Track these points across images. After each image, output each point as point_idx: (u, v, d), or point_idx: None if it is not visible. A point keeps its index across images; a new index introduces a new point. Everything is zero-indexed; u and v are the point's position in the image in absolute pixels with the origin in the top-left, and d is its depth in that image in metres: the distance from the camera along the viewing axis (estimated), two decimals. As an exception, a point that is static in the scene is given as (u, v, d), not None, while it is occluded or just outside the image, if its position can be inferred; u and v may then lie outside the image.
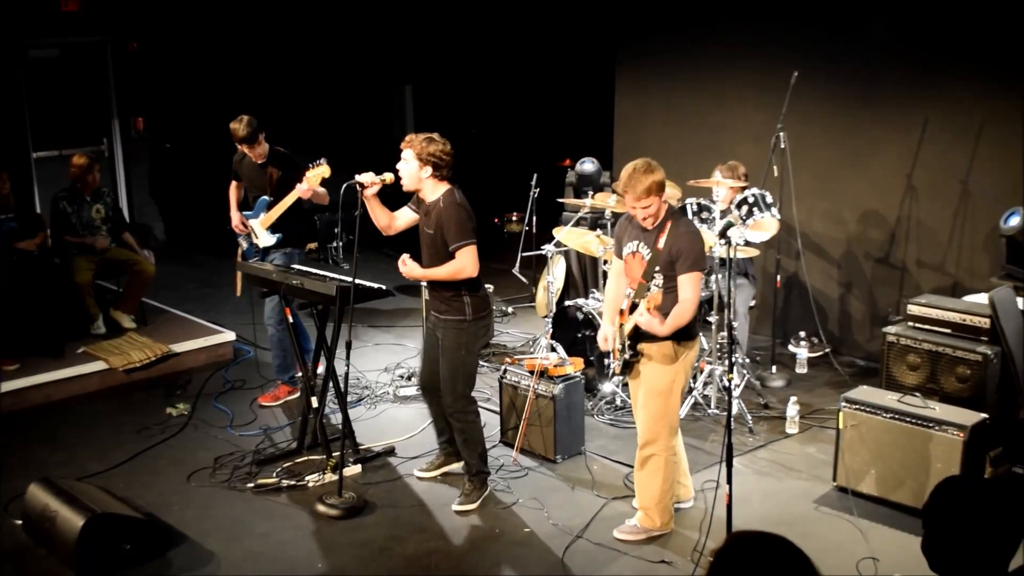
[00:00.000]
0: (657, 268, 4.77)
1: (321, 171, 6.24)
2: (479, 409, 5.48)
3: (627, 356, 4.88)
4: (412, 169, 5.09)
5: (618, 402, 6.56)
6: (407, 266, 5.19)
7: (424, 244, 5.23)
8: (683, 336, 4.81)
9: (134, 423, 6.55)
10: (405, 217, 5.34)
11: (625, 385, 6.11)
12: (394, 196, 5.32)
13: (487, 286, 8.05)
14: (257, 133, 6.52)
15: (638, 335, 4.83)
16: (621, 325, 4.87)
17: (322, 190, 6.52)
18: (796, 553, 2.32)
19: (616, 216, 6.88)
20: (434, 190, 5.14)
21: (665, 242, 4.73)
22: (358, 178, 5.18)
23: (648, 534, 5.01)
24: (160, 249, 10.47)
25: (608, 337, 4.96)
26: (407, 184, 5.15)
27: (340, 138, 11.50)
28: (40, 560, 4.89)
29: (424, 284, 5.51)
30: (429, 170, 5.07)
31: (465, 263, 5.07)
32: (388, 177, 5.23)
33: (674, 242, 4.72)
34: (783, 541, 2.33)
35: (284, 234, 6.64)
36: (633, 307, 4.80)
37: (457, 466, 5.65)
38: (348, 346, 5.51)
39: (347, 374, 5.59)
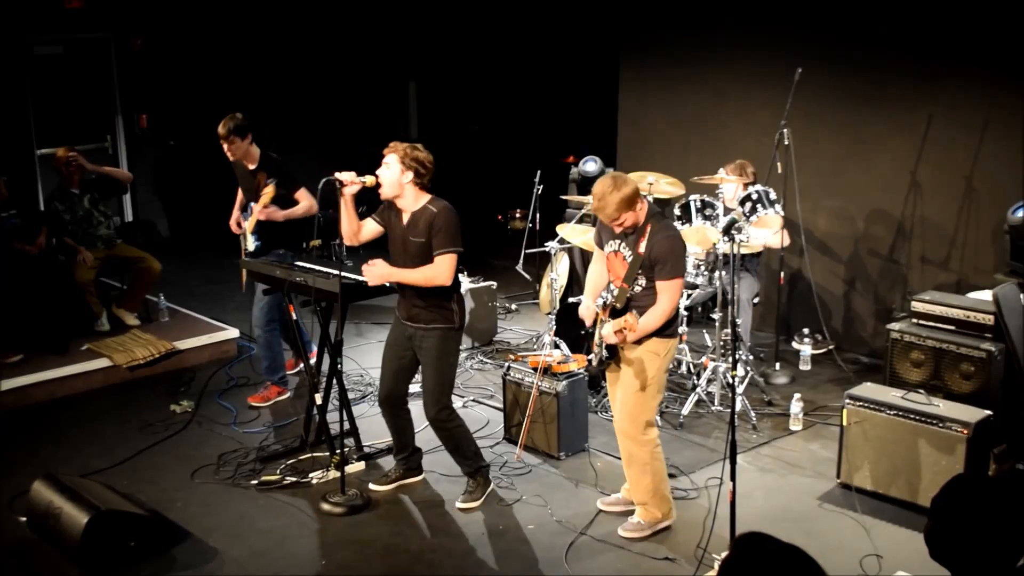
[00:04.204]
0: (639, 271, 4.76)
1: (267, 191, 6.34)
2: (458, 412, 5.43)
3: (603, 355, 4.86)
4: (394, 174, 5.00)
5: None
6: (376, 266, 5.03)
7: (406, 254, 5.08)
8: (664, 333, 4.80)
9: (138, 420, 6.56)
10: (370, 228, 5.25)
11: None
12: (372, 201, 5.29)
13: (490, 282, 8.14)
14: (234, 133, 6.39)
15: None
16: (601, 321, 4.84)
17: (280, 215, 6.51)
18: (812, 565, 2.32)
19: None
20: (416, 199, 5.05)
21: (646, 246, 4.71)
22: (338, 175, 5.11)
23: (652, 528, 5.00)
24: (164, 246, 10.50)
25: (590, 311, 4.92)
26: (386, 191, 5.04)
27: (344, 135, 11.51)
28: (45, 556, 4.90)
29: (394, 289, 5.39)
30: (410, 175, 4.99)
31: (442, 269, 4.98)
32: (369, 179, 5.08)
33: (654, 246, 4.69)
34: (800, 552, 2.33)
35: (263, 242, 6.59)
36: (614, 310, 4.77)
37: (413, 480, 5.63)
38: (339, 345, 5.45)
39: (341, 372, 5.57)
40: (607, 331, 4.67)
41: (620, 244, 4.84)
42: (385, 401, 5.43)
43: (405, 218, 5.09)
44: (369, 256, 5.28)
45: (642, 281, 4.77)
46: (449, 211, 5.02)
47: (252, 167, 6.60)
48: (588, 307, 5.01)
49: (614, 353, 4.87)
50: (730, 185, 6.85)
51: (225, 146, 6.49)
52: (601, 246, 5.01)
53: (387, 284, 5.62)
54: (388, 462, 5.85)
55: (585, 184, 9.08)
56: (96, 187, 7.72)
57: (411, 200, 5.06)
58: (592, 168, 9.08)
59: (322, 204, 5.59)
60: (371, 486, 5.58)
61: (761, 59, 7.92)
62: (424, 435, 5.70)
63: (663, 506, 5.00)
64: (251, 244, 6.61)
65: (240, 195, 6.94)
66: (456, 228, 5.01)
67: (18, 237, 7.40)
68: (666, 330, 4.81)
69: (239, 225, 6.77)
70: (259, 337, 6.79)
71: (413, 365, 5.32)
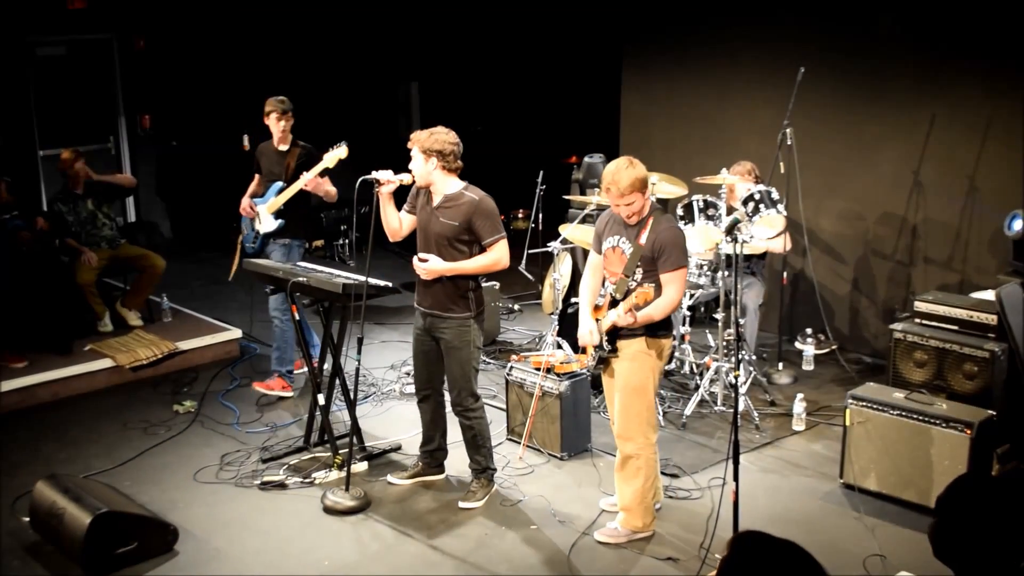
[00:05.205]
0: (638, 263, 4.77)
1: (339, 152, 6.35)
2: (484, 405, 5.48)
3: (605, 352, 4.86)
4: (420, 164, 5.09)
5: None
6: (429, 262, 5.10)
7: (435, 238, 5.12)
8: (659, 330, 4.81)
9: (140, 420, 6.56)
10: (410, 222, 5.31)
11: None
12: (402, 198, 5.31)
13: (493, 282, 8.14)
14: (291, 109, 6.75)
15: (616, 330, 4.80)
16: (598, 320, 4.84)
17: (332, 189, 6.68)
18: (807, 559, 2.32)
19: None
20: (447, 183, 5.11)
21: (647, 237, 4.72)
22: (375, 174, 5.14)
23: (629, 536, 4.97)
24: (166, 247, 10.50)
25: (592, 331, 4.91)
26: (419, 181, 5.14)
27: (346, 136, 11.48)
28: (48, 557, 4.91)
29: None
30: (435, 161, 5.05)
31: (502, 254, 5.10)
32: (406, 178, 5.16)
33: (656, 238, 4.71)
34: (795, 547, 2.33)
35: (287, 221, 6.69)
36: (613, 302, 4.78)
37: (434, 478, 5.65)
38: (360, 342, 5.38)
39: (358, 370, 5.48)
40: (615, 316, 4.69)
41: (620, 239, 4.85)
42: (424, 391, 5.50)
43: (436, 200, 5.14)
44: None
45: (638, 275, 4.78)
46: (488, 199, 5.12)
47: (284, 148, 6.79)
48: (588, 324, 4.94)
49: (615, 344, 4.86)
50: (743, 185, 6.84)
51: (283, 123, 6.71)
52: (599, 248, 5.00)
53: (392, 285, 5.64)
54: (391, 462, 5.86)
55: (589, 177, 9.12)
56: (99, 189, 7.74)
57: (442, 184, 5.13)
58: (597, 160, 9.17)
59: (357, 202, 5.59)
60: (389, 478, 5.63)
61: (763, 58, 7.92)
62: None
63: (646, 516, 4.98)
64: (269, 224, 6.68)
65: (255, 182, 6.96)
66: (497, 214, 5.13)
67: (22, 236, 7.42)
68: (660, 330, 4.81)
69: (251, 208, 6.81)
70: (275, 327, 6.85)
71: (439, 353, 5.33)
